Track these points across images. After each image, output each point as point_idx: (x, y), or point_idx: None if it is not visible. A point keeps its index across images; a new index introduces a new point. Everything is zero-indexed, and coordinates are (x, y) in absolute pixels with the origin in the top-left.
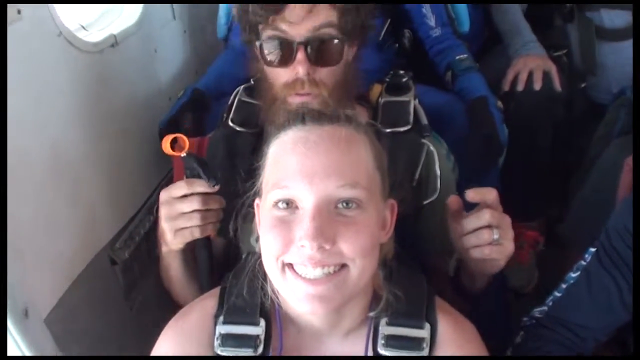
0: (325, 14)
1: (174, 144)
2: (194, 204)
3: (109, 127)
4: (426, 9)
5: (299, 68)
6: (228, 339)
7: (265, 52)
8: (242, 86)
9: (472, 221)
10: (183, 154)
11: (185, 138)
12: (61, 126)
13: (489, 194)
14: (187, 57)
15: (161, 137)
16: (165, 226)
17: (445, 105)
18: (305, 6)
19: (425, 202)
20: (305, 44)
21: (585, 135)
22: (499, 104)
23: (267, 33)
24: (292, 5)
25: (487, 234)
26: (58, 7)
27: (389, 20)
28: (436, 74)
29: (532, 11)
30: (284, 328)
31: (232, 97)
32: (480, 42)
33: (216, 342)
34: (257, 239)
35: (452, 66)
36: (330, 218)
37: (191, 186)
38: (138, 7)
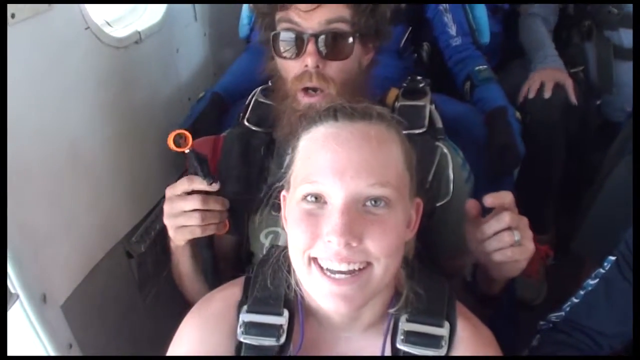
0: (337, 9)
1: (179, 140)
2: (194, 203)
3: (128, 123)
4: (447, 17)
5: (308, 60)
6: (251, 327)
7: (278, 43)
8: (260, 87)
9: (492, 225)
10: (187, 150)
11: (188, 135)
12: (83, 119)
13: (506, 197)
14: (207, 58)
15: None
16: (167, 223)
17: (463, 115)
18: None
19: (437, 205)
20: (316, 36)
21: (598, 152)
22: (518, 114)
23: (281, 25)
24: None
25: (508, 237)
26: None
27: (410, 28)
28: (454, 86)
29: (553, 30)
30: (305, 320)
31: (249, 97)
32: (498, 56)
33: (239, 330)
34: (267, 236)
35: (471, 76)
36: (359, 215)
37: (191, 183)
38: (161, 7)
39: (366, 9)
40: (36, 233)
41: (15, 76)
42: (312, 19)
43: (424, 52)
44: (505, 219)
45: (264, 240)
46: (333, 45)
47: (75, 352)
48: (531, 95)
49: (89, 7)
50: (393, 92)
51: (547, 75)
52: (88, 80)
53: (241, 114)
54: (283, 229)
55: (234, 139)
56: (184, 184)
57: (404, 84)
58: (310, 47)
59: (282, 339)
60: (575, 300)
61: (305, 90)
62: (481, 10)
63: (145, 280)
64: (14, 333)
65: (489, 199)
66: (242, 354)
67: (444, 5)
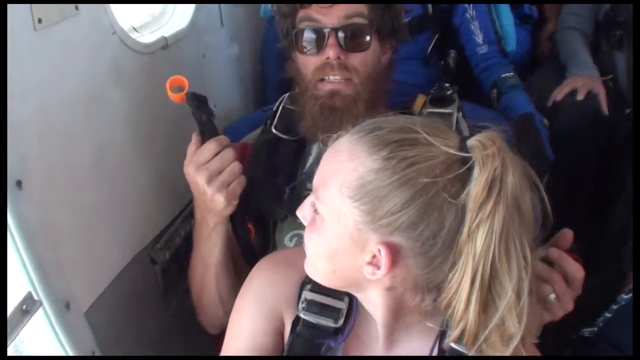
0: (355, 5)
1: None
2: (230, 155)
3: (155, 129)
4: (474, 25)
5: (330, 52)
6: (313, 305)
7: (300, 40)
8: (287, 94)
9: (543, 268)
10: (186, 93)
11: (184, 79)
12: (109, 125)
13: (575, 272)
14: (233, 64)
15: None
16: (209, 189)
17: (490, 122)
18: None
19: None
20: (336, 30)
21: (628, 161)
22: (545, 121)
23: (302, 24)
24: None
25: (545, 290)
26: (112, 8)
27: (436, 36)
28: (481, 94)
29: None
30: (358, 311)
31: (277, 104)
32: (525, 64)
33: (301, 305)
34: (292, 239)
35: (498, 84)
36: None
37: (220, 143)
38: (188, 12)
39: (381, 5)
40: (60, 239)
41: (42, 81)
42: (331, 15)
43: (450, 60)
44: (553, 277)
45: (289, 243)
46: (352, 37)
47: None
48: (559, 98)
49: (116, 13)
50: (420, 99)
51: (581, 82)
52: (114, 86)
53: (269, 121)
54: None
55: (262, 146)
56: (212, 147)
57: (432, 91)
58: (332, 40)
59: (340, 322)
60: (609, 315)
61: (324, 80)
62: (507, 17)
63: (169, 287)
64: (37, 340)
65: (556, 255)
66: (297, 329)
67: (471, 13)
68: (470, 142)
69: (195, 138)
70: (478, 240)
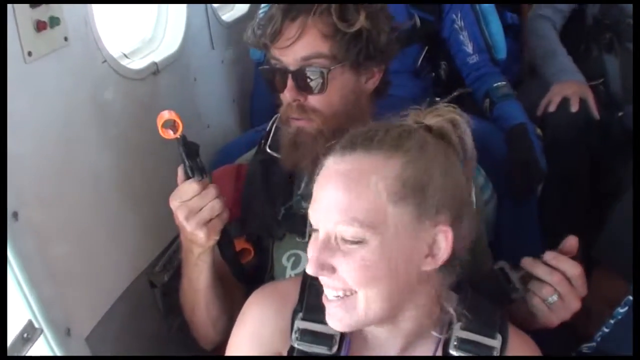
0: (314, 45)
1: (168, 125)
2: (212, 193)
3: (148, 154)
4: (463, 35)
5: (287, 95)
6: (306, 335)
7: (266, 76)
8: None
9: (542, 270)
10: (178, 135)
11: (179, 120)
12: (103, 152)
13: (572, 269)
14: (225, 86)
15: None
16: (190, 226)
17: (483, 133)
18: (292, 33)
19: None
20: (294, 72)
21: (622, 164)
22: (538, 131)
23: (270, 61)
24: (283, 32)
25: (547, 291)
26: (102, 35)
27: (426, 48)
28: (473, 104)
29: (568, 40)
30: (353, 336)
31: (270, 123)
32: (515, 73)
33: (294, 335)
34: (289, 259)
35: (490, 93)
36: (333, 250)
37: (202, 185)
38: (178, 36)
39: (343, 38)
40: (58, 266)
41: (35, 112)
42: (288, 56)
43: (441, 71)
44: (555, 279)
45: (286, 263)
46: (309, 80)
47: None
48: (552, 109)
49: (106, 39)
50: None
51: (570, 89)
52: (107, 113)
53: (262, 141)
54: (304, 251)
55: (257, 166)
56: (194, 189)
57: (422, 108)
58: (289, 82)
59: (334, 349)
60: (606, 330)
61: (293, 118)
62: (496, 26)
63: (169, 310)
64: None
65: (553, 260)
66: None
67: (459, 23)
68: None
69: (180, 171)
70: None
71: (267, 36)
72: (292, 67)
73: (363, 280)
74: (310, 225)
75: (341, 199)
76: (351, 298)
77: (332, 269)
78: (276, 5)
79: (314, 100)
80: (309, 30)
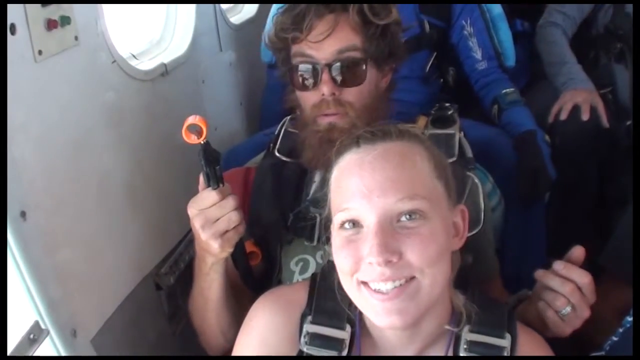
0: (347, 38)
1: (192, 130)
2: (230, 204)
3: (156, 155)
4: (472, 42)
5: (324, 88)
6: (315, 339)
7: (295, 76)
8: (289, 117)
9: (556, 282)
10: (202, 141)
11: (204, 127)
12: (111, 152)
13: (581, 278)
14: (232, 88)
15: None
16: (206, 236)
17: (491, 139)
18: (325, 27)
19: (468, 235)
20: (330, 65)
21: (629, 173)
22: (547, 138)
23: (296, 59)
24: (314, 25)
25: (561, 303)
26: (112, 36)
27: (434, 54)
28: (481, 110)
29: (577, 47)
30: (362, 335)
31: (279, 127)
32: (524, 79)
33: (303, 340)
34: (297, 263)
35: (498, 100)
36: (394, 232)
37: (221, 194)
38: (187, 38)
39: (375, 33)
40: (65, 267)
41: (44, 111)
42: (323, 50)
43: (450, 77)
44: (567, 289)
45: (294, 268)
46: (346, 72)
47: None
48: (563, 117)
49: (115, 40)
50: (422, 120)
51: (580, 97)
52: (115, 114)
53: (271, 144)
54: (312, 256)
55: (267, 170)
56: (213, 198)
57: (432, 112)
58: (325, 76)
59: (344, 353)
60: (615, 339)
61: (324, 115)
62: (506, 33)
63: (174, 312)
64: None
65: (563, 270)
66: None
67: (469, 29)
68: None
69: (202, 178)
70: None
71: (301, 30)
72: (326, 61)
73: (433, 256)
74: (320, 230)
75: (399, 175)
76: (413, 283)
77: (399, 253)
78: (302, 4)
79: (348, 94)
80: (342, 24)
